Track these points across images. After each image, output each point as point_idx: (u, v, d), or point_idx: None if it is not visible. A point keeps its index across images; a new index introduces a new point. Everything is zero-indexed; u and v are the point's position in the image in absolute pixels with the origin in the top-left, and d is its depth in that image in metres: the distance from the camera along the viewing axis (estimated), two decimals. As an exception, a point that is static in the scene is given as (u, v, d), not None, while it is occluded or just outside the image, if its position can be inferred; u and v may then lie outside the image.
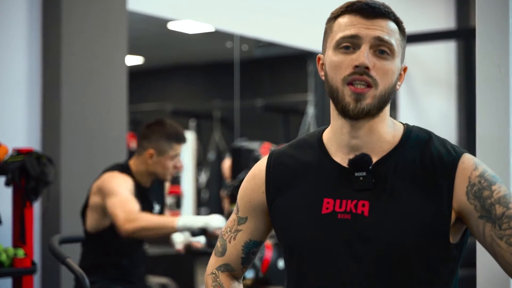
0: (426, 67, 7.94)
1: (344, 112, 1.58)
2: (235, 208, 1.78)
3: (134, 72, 5.62)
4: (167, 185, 3.75)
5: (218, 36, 6.45)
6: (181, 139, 3.48)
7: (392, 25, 1.60)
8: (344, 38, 1.58)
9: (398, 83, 1.64)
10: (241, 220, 1.76)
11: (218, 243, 1.80)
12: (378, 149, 1.61)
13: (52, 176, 3.70)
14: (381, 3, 1.61)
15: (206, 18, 5.76)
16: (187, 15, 5.59)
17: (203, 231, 3.24)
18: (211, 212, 7.80)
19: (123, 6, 4.59)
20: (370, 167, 1.59)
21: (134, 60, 7.39)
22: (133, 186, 3.39)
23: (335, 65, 1.59)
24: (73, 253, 3.21)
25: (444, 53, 8.29)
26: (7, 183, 3.56)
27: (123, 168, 3.45)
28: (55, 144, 4.23)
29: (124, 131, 4.57)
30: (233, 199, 5.13)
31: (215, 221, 3.24)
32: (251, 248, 1.77)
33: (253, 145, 6.20)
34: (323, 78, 1.65)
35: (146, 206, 3.48)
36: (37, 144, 4.25)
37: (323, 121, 7.21)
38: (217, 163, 7.78)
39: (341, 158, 1.63)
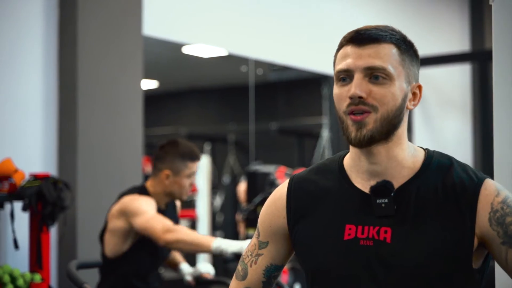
0: (441, 90, 7.92)
1: (348, 141, 1.61)
2: (255, 232, 1.79)
3: (149, 96, 5.64)
4: (179, 207, 3.74)
5: (233, 60, 6.47)
6: (195, 157, 3.49)
7: (387, 48, 1.60)
8: (339, 72, 1.62)
9: (413, 102, 1.64)
10: (262, 245, 1.77)
11: (239, 267, 1.80)
12: (399, 175, 1.62)
13: (68, 201, 3.72)
14: (374, 27, 1.62)
15: (221, 42, 5.78)
16: (202, 39, 5.62)
17: (236, 256, 3.16)
18: (225, 235, 7.78)
19: (138, 31, 4.63)
20: (392, 194, 1.59)
21: (149, 84, 7.42)
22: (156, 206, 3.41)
23: (337, 98, 1.62)
24: (90, 279, 3.21)
25: (459, 76, 8.27)
26: (24, 208, 3.58)
27: (141, 190, 3.47)
28: (71, 169, 4.24)
29: (139, 154, 4.59)
30: (248, 223, 5.12)
31: None
32: (272, 272, 1.77)
33: (269, 168, 6.19)
34: None
35: None
36: (54, 169, 4.27)
37: (338, 144, 7.19)
38: (232, 187, 7.77)
39: (362, 184, 1.64)
